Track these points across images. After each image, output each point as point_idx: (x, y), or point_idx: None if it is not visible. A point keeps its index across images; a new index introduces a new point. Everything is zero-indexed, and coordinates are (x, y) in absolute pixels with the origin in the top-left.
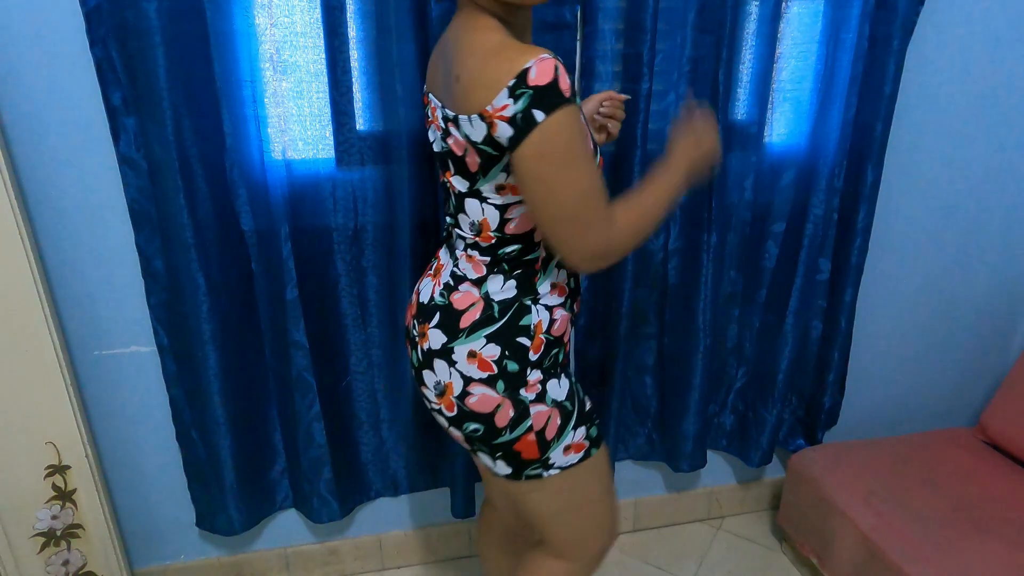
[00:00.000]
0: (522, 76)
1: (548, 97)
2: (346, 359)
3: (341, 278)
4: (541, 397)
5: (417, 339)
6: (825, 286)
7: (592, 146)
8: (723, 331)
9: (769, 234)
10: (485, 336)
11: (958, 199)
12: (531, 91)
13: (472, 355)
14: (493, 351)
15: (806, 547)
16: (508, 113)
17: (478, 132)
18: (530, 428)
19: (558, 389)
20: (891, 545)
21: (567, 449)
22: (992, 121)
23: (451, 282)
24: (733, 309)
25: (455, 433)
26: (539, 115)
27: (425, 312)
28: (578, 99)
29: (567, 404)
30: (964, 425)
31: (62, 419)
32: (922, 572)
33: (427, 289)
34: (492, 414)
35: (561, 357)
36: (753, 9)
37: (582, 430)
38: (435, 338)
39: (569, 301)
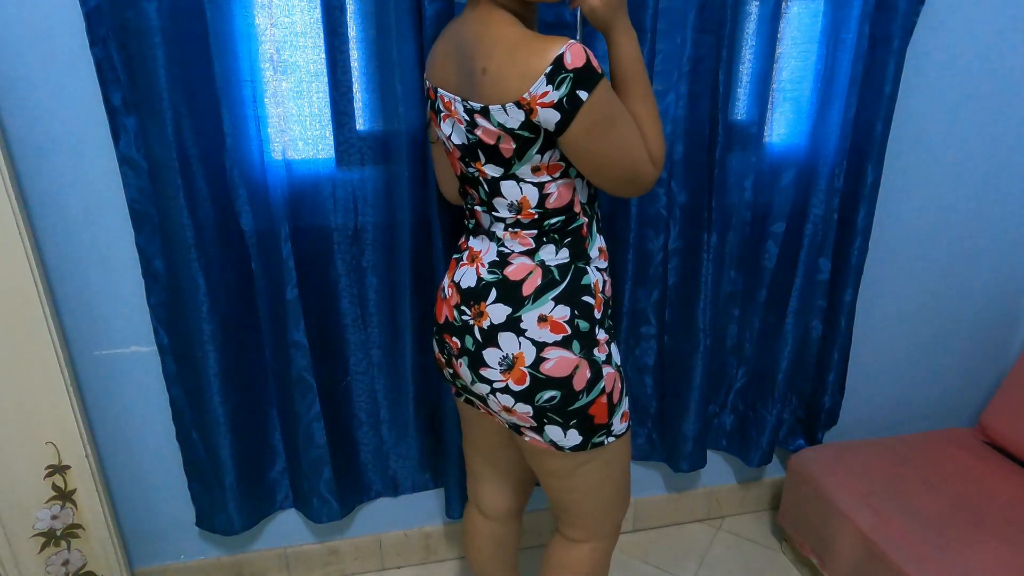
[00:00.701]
0: (558, 62)
1: (587, 76)
2: (346, 359)
3: (341, 278)
4: (609, 359)
5: (472, 321)
6: (825, 286)
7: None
8: (723, 331)
9: (769, 234)
10: (552, 299)
11: (958, 199)
12: (571, 74)
13: (543, 319)
14: (563, 312)
15: (806, 547)
16: (552, 99)
17: (514, 119)
18: (603, 390)
19: (618, 352)
20: (891, 545)
21: (622, 416)
22: (992, 121)
23: (498, 260)
24: (733, 309)
25: (521, 410)
26: (583, 95)
27: (475, 294)
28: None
29: (622, 369)
30: (964, 425)
31: (62, 419)
32: (922, 572)
33: (468, 275)
34: (570, 377)
35: (608, 326)
36: (753, 9)
37: (627, 398)
38: (497, 312)
39: (609, 266)
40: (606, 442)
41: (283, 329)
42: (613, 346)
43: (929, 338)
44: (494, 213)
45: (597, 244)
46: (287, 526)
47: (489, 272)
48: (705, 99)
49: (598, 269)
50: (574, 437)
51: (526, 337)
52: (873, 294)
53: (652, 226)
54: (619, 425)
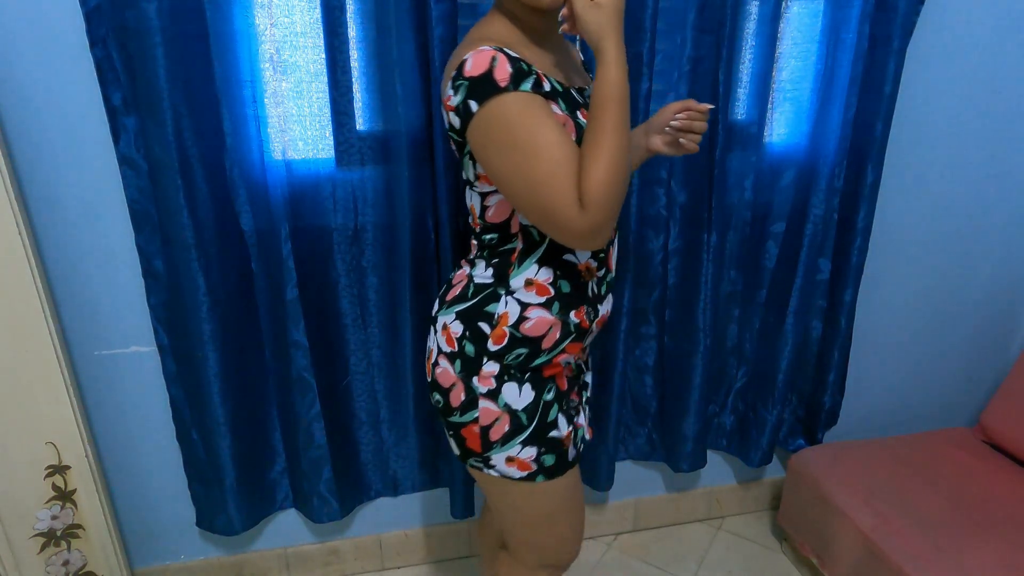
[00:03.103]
0: (460, 68)
1: (481, 87)
2: (346, 359)
3: (341, 278)
4: (493, 395)
5: None
6: (825, 286)
7: (554, 135)
8: (723, 331)
9: (769, 234)
10: (456, 312)
11: (958, 199)
12: (466, 82)
13: (444, 327)
14: (458, 328)
15: (806, 547)
16: (453, 103)
17: (445, 121)
18: (476, 420)
19: (516, 396)
20: (891, 545)
21: (509, 460)
22: (992, 121)
23: (460, 262)
24: (733, 309)
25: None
26: (473, 105)
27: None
28: (526, 86)
29: (522, 416)
30: (964, 425)
31: (62, 419)
32: (922, 572)
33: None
34: (448, 390)
35: (536, 363)
36: (753, 9)
37: (531, 450)
38: (434, 306)
39: (561, 307)
40: (486, 471)
41: (283, 329)
42: (511, 387)
43: (929, 338)
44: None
45: (527, 275)
46: (287, 526)
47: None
48: (705, 99)
49: (520, 302)
50: (455, 447)
51: (435, 337)
52: (873, 294)
53: (652, 226)
54: (505, 466)
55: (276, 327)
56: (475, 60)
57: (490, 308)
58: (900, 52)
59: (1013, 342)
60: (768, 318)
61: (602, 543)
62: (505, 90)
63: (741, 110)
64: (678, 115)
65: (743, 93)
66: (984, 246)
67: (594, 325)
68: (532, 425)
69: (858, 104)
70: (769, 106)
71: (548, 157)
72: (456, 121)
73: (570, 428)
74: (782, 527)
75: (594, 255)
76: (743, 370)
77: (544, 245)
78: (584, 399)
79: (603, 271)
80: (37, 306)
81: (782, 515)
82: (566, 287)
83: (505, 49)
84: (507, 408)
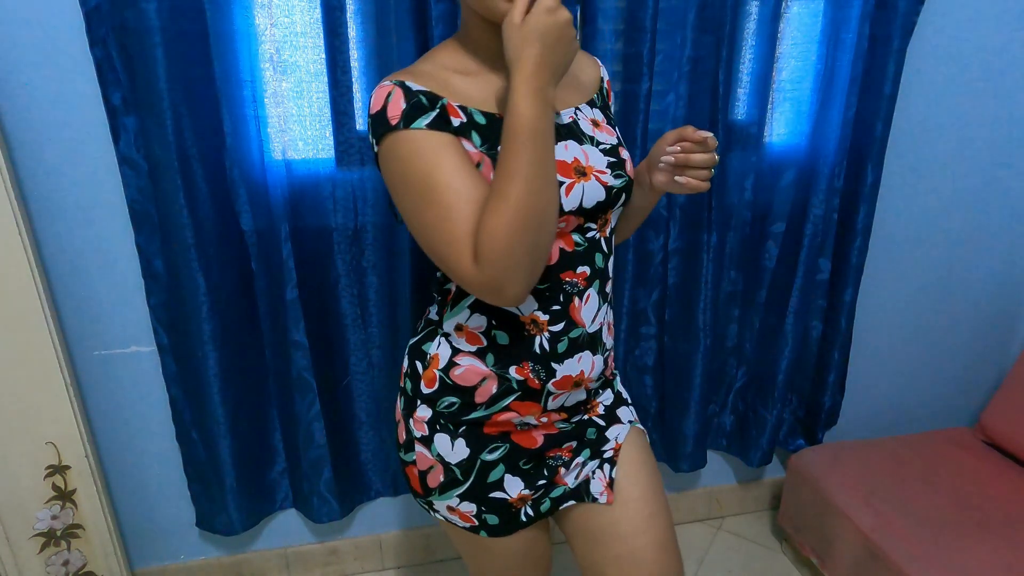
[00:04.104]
0: (368, 103)
1: (377, 126)
2: (346, 359)
3: (341, 278)
4: (426, 442)
5: None
6: (825, 286)
7: (448, 177)
8: (723, 331)
9: (769, 234)
10: (408, 345)
11: (958, 199)
12: (369, 119)
13: (404, 360)
14: (405, 363)
15: (806, 547)
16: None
17: None
18: (414, 463)
19: (449, 449)
20: (891, 545)
21: (450, 509)
22: (992, 121)
23: None
24: (733, 309)
25: None
26: (375, 144)
27: None
28: (420, 123)
29: (456, 471)
30: (964, 425)
31: (62, 419)
32: (922, 572)
33: None
34: (396, 424)
35: (470, 416)
36: (753, 9)
37: (471, 506)
38: None
39: (496, 359)
40: (431, 513)
41: (283, 329)
42: (443, 438)
43: (929, 338)
44: None
45: (458, 319)
46: (287, 526)
47: None
48: (705, 99)
49: (453, 347)
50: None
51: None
52: (873, 294)
53: (652, 226)
54: (447, 513)
55: (276, 327)
56: (375, 96)
57: (425, 347)
58: (900, 52)
59: (1013, 342)
60: (768, 318)
61: None
62: (395, 128)
63: (741, 110)
64: (671, 148)
65: (743, 93)
66: (984, 246)
67: (551, 386)
68: (469, 482)
69: (858, 104)
70: (769, 106)
71: (438, 201)
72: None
73: (528, 491)
74: (782, 527)
75: (544, 306)
76: (743, 370)
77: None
78: (590, 455)
79: (561, 325)
80: (37, 306)
81: (782, 515)
82: (503, 339)
83: (407, 83)
84: (440, 458)
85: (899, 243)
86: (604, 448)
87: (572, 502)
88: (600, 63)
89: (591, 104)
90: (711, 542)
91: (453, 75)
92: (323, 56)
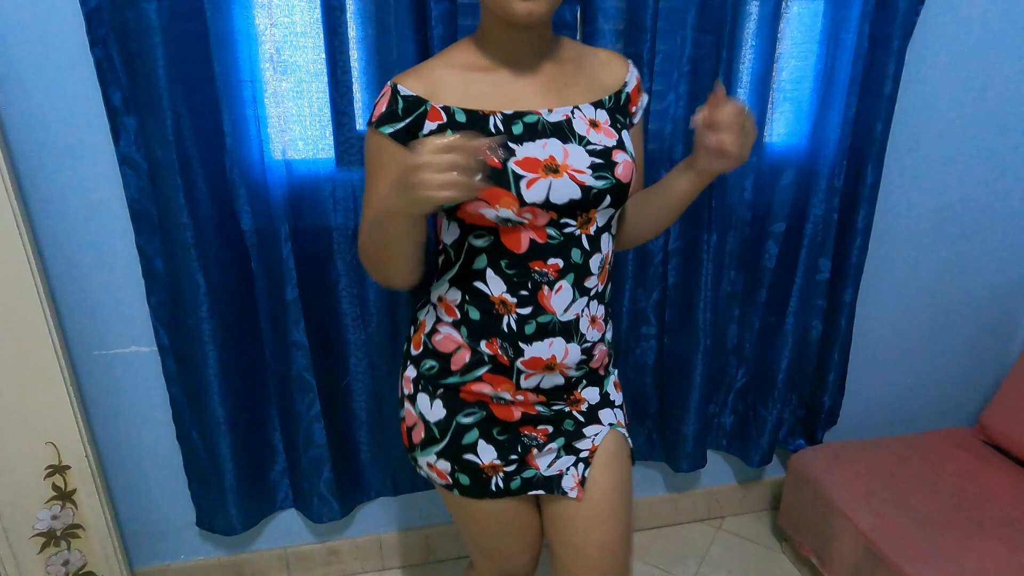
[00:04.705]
0: None
1: (370, 115)
2: (346, 359)
3: (341, 278)
4: (411, 399)
5: None
6: (825, 286)
7: (379, 185)
8: (723, 331)
9: (769, 234)
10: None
11: (958, 199)
12: None
13: None
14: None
15: (806, 547)
16: None
17: None
18: (403, 419)
19: (428, 408)
20: (891, 545)
21: (430, 466)
22: (992, 121)
23: None
24: (733, 309)
25: None
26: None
27: None
28: (387, 128)
29: (435, 429)
30: (964, 425)
31: (62, 419)
32: (922, 572)
33: None
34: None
35: (447, 381)
36: (753, 9)
37: (446, 464)
38: None
39: (469, 332)
40: (417, 469)
41: (283, 329)
42: (424, 398)
43: (929, 338)
44: None
45: (440, 292)
46: (287, 526)
47: None
48: (705, 99)
49: (437, 316)
50: None
51: None
52: (873, 294)
53: None
54: (428, 470)
55: (276, 327)
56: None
57: (418, 313)
58: (900, 52)
59: (1013, 342)
60: (768, 318)
61: None
62: (370, 124)
63: None
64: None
65: (743, 93)
66: (984, 246)
67: (520, 364)
68: (445, 441)
69: (858, 104)
70: (769, 106)
71: (367, 196)
72: None
73: (499, 462)
74: (782, 527)
75: (512, 289)
76: (743, 370)
77: (457, 266)
78: (564, 445)
79: (529, 310)
80: (37, 306)
81: (782, 515)
82: (474, 314)
83: (399, 87)
84: (421, 417)
85: (899, 243)
86: (580, 446)
87: (542, 491)
88: (633, 67)
89: (598, 105)
90: (711, 542)
91: (461, 72)
92: (323, 56)
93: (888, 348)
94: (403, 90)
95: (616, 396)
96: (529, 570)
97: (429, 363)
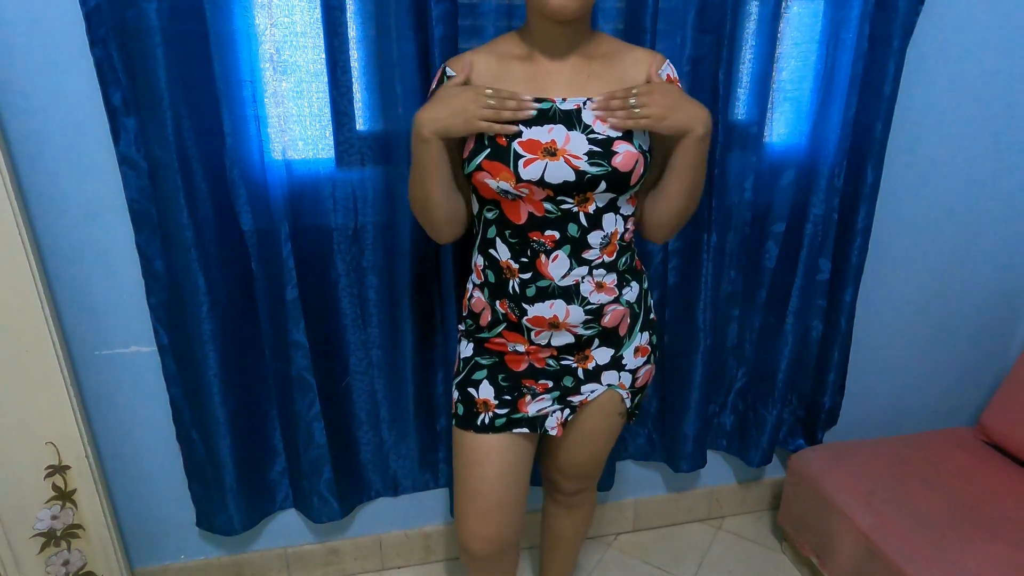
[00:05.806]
0: None
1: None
2: (346, 359)
3: (341, 278)
4: (458, 342)
5: None
6: (825, 286)
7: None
8: (723, 331)
9: (769, 234)
10: None
11: (958, 199)
12: None
13: None
14: None
15: (806, 547)
16: None
17: None
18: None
19: (464, 348)
20: (891, 545)
21: (453, 405)
22: (992, 121)
23: None
24: (733, 309)
25: None
26: None
27: None
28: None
29: (461, 365)
30: (964, 425)
31: (62, 419)
32: (922, 572)
33: None
34: None
35: (479, 336)
36: (753, 9)
37: (456, 393)
38: None
39: (489, 293)
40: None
41: (283, 329)
42: (464, 344)
43: (929, 338)
44: None
45: (474, 259)
46: (287, 526)
47: None
48: (705, 99)
49: (472, 282)
50: None
51: None
52: (873, 294)
53: None
54: (455, 397)
55: (276, 327)
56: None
57: (467, 284)
58: (900, 52)
59: (1013, 342)
60: (768, 318)
61: (602, 543)
62: (427, 98)
63: (741, 110)
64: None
65: (743, 93)
66: (984, 246)
67: (526, 322)
68: (462, 375)
69: (858, 104)
70: (769, 106)
71: (413, 158)
72: None
73: (494, 400)
74: (782, 527)
75: (515, 256)
76: (743, 370)
77: (481, 235)
78: (559, 399)
79: (529, 275)
80: (37, 306)
81: (782, 515)
82: (491, 277)
83: (448, 69)
84: (462, 361)
85: (899, 243)
86: (573, 400)
87: (526, 429)
88: (665, 66)
89: None
90: (711, 542)
91: (498, 59)
92: (323, 56)
93: (888, 348)
94: (449, 71)
95: (632, 361)
96: (511, 544)
97: (468, 321)
